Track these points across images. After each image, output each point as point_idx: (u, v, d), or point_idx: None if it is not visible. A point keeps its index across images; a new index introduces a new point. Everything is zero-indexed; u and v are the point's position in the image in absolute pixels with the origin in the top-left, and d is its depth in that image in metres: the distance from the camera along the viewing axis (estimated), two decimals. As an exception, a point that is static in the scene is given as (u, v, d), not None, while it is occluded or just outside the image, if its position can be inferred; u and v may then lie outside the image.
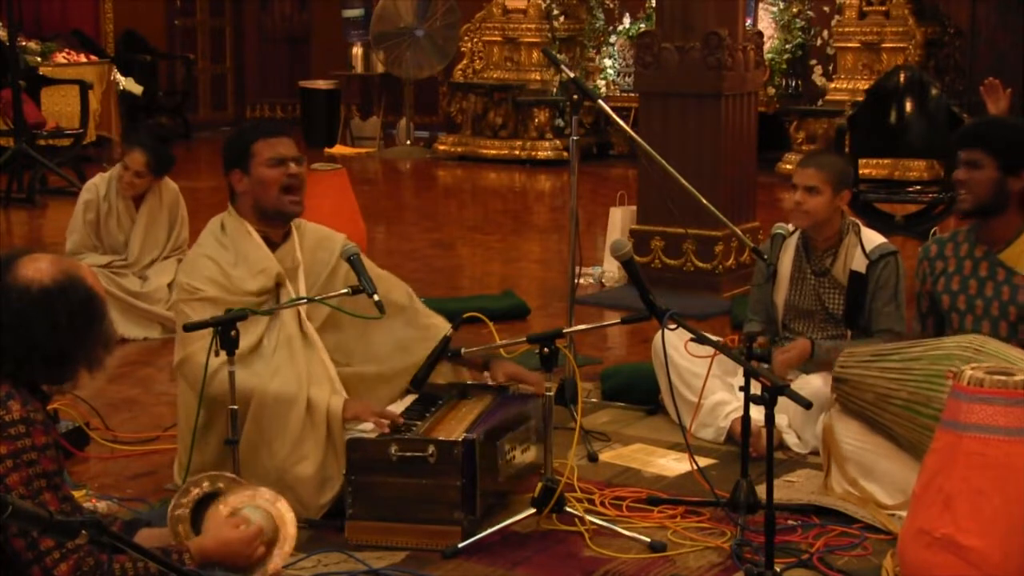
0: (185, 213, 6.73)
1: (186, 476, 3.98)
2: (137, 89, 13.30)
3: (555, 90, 12.92)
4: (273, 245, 4.24)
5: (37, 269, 2.79)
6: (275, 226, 4.24)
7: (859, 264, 4.81)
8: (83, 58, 12.94)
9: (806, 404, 3.47)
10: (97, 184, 6.65)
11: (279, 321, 4.14)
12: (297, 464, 3.95)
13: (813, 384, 4.57)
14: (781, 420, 4.64)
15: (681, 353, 4.67)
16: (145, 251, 6.60)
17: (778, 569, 3.56)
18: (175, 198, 6.69)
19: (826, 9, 12.22)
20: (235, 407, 3.78)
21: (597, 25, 13.25)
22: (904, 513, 3.69)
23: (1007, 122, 4.49)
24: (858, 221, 4.96)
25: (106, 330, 2.88)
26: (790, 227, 4.86)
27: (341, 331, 4.30)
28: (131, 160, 6.53)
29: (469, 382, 4.44)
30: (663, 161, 5.10)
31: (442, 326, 4.36)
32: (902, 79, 8.25)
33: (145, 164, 6.49)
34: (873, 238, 4.88)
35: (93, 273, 2.93)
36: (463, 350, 4.24)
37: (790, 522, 4.00)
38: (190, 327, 3.86)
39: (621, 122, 5.17)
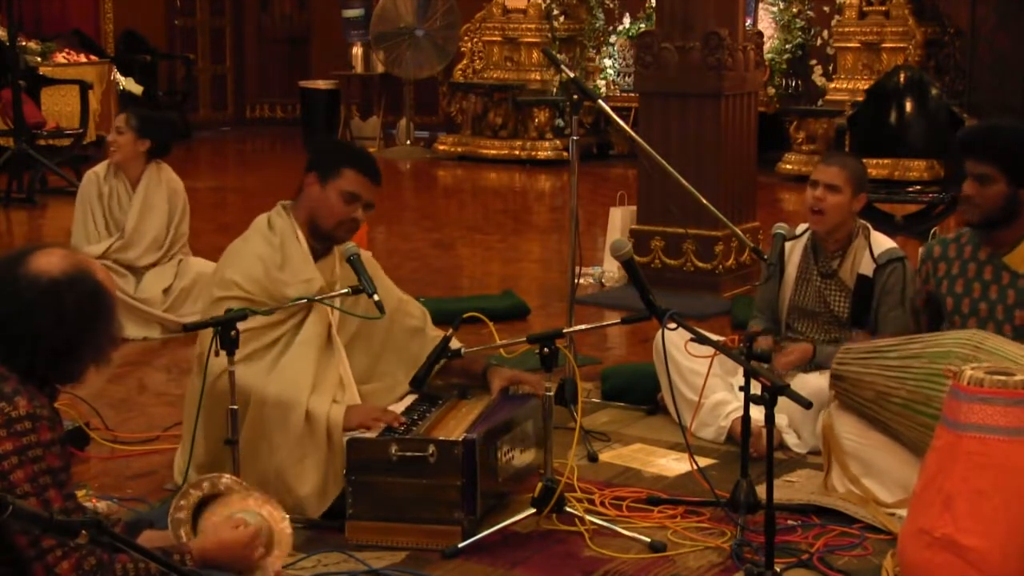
0: (187, 206, 6.69)
1: (186, 475, 3.98)
2: (137, 89, 13.30)
3: (555, 90, 12.92)
4: (315, 253, 4.22)
5: (48, 262, 2.82)
6: (319, 241, 4.24)
7: (866, 268, 4.80)
8: (83, 58, 12.94)
9: (806, 404, 3.47)
10: (97, 171, 6.67)
11: (302, 325, 4.13)
12: (297, 474, 3.93)
13: (812, 383, 4.57)
14: (781, 420, 4.64)
15: (682, 351, 4.66)
16: (142, 227, 6.55)
17: (778, 569, 3.56)
18: (176, 187, 6.66)
19: (826, 9, 12.22)
20: (235, 407, 3.78)
21: (597, 25, 13.25)
22: (904, 512, 3.69)
23: (1015, 130, 4.25)
24: (868, 224, 4.93)
25: (114, 327, 2.91)
26: (800, 227, 4.84)
27: (354, 355, 4.27)
28: (116, 120, 6.62)
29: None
30: (663, 161, 5.10)
31: (442, 333, 4.36)
32: (902, 79, 8.26)
33: (125, 121, 6.51)
34: (882, 242, 4.86)
35: (106, 272, 2.96)
36: (463, 350, 4.24)
37: (790, 522, 3.99)
38: (190, 327, 3.87)
39: (621, 122, 5.16)
